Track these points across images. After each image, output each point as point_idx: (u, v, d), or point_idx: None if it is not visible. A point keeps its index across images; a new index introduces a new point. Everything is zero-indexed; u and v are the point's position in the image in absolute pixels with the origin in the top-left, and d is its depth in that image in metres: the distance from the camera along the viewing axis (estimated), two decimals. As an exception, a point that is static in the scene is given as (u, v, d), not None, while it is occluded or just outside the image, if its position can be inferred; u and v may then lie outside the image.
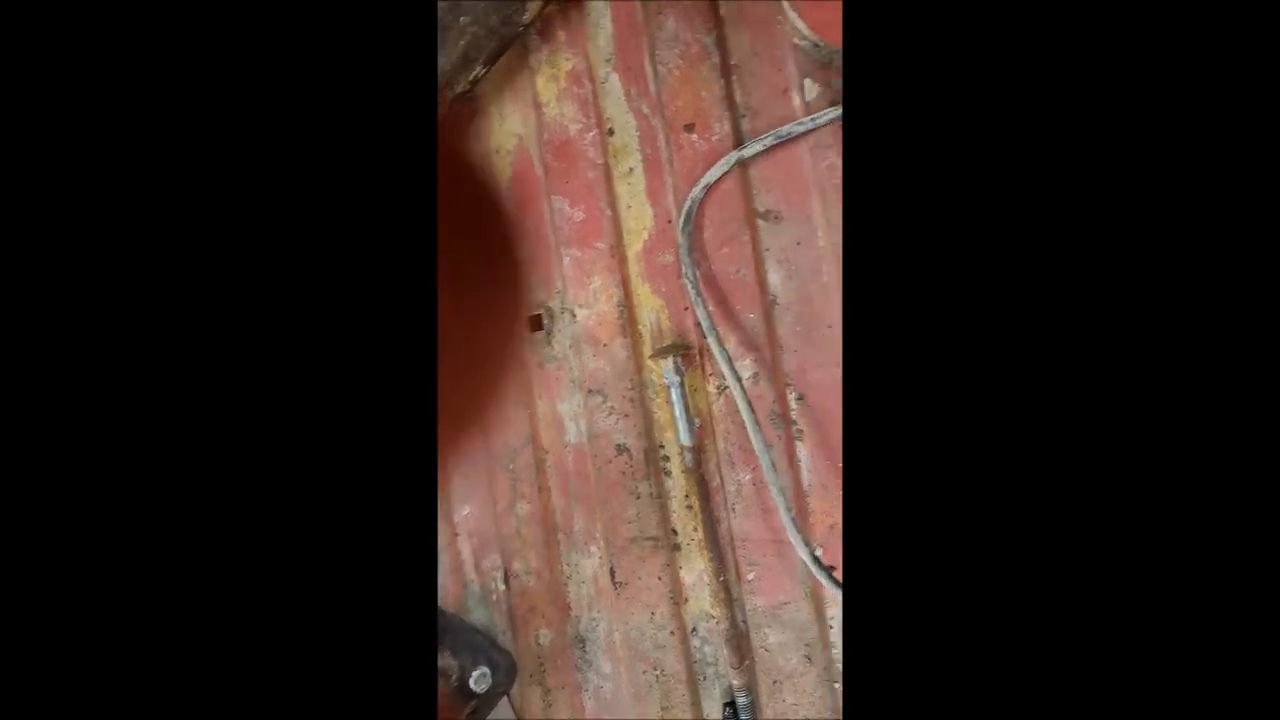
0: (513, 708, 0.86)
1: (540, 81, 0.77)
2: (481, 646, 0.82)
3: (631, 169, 0.73)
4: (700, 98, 0.68)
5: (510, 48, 0.77)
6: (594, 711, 0.82)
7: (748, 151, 0.65)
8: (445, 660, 0.78)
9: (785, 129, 0.63)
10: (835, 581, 0.62)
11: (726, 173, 0.67)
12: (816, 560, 0.63)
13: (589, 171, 0.75)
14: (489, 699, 0.81)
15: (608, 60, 0.73)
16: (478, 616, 0.85)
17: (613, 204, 0.74)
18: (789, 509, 0.64)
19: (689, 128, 0.69)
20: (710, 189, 0.68)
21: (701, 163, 0.69)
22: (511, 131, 0.80)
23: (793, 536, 0.63)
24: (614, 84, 0.73)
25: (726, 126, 0.68)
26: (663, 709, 0.78)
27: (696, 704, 0.76)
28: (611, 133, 0.73)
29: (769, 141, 0.64)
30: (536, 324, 0.80)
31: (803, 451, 0.68)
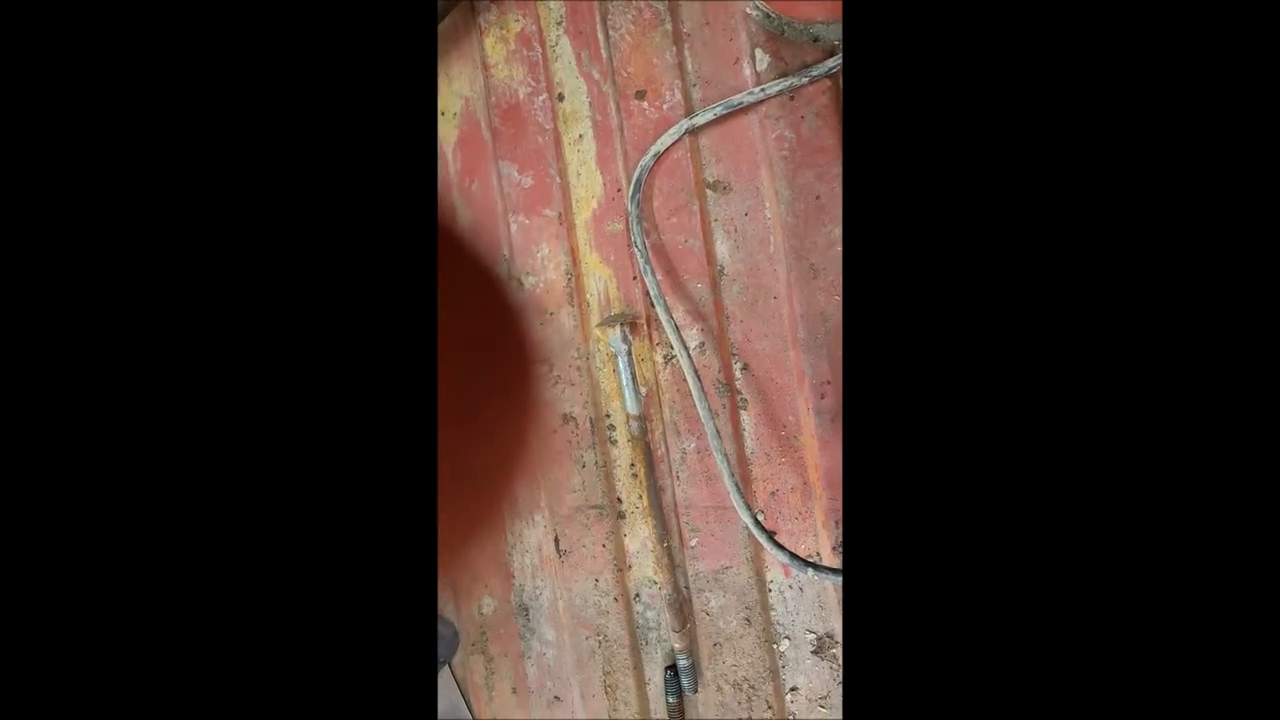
0: (454, 677, 0.86)
1: (489, 42, 0.75)
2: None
3: (581, 135, 0.72)
4: (652, 65, 0.68)
5: (456, 6, 0.75)
6: (536, 678, 0.82)
7: (698, 120, 0.65)
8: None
9: (736, 99, 0.64)
10: (777, 545, 0.63)
11: (677, 141, 0.67)
12: (759, 525, 0.64)
13: (538, 137, 0.74)
14: (431, 668, 0.80)
15: (559, 23, 0.71)
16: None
17: (562, 171, 0.73)
18: (732, 476, 0.65)
19: (640, 95, 0.69)
20: (660, 158, 0.68)
21: (652, 131, 0.69)
22: (458, 93, 0.78)
23: (736, 502, 0.65)
24: (565, 47, 0.71)
25: (678, 95, 0.67)
26: (605, 673, 0.79)
27: (638, 668, 0.78)
28: (561, 98, 0.72)
29: (719, 111, 0.64)
30: (482, 291, 0.79)
31: (746, 420, 0.69)
